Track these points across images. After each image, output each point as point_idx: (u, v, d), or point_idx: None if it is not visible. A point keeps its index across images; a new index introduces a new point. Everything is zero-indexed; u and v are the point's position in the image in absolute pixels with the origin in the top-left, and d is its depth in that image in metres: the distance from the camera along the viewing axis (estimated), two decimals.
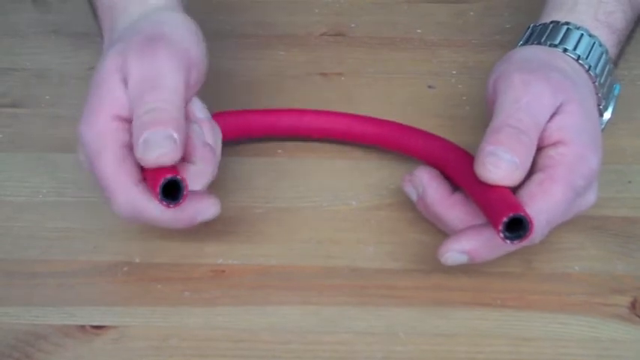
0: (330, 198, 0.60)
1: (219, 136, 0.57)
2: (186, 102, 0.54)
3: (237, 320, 0.53)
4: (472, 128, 0.64)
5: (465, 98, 0.67)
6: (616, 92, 0.61)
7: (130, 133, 0.52)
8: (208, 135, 0.55)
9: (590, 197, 0.54)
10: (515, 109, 0.52)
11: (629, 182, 0.60)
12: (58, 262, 0.56)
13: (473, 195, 0.53)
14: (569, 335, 0.52)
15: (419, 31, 0.73)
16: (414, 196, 0.56)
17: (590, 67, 0.57)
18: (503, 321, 0.53)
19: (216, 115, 0.59)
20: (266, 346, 0.51)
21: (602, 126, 0.59)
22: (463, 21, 0.74)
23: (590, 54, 0.57)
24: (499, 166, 0.51)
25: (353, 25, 0.74)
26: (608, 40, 0.59)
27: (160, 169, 0.51)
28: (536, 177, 0.52)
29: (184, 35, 0.55)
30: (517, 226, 0.49)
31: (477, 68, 0.69)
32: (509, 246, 0.50)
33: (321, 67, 0.70)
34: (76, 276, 0.55)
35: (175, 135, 0.51)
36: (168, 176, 0.50)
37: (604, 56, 0.58)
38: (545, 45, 0.57)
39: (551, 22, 0.59)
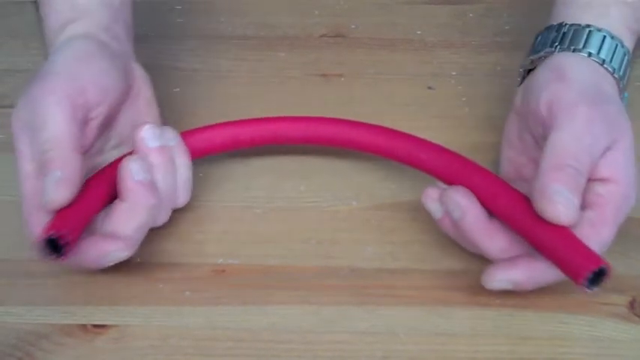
0: (330, 198, 0.60)
1: (182, 158, 0.56)
2: (104, 116, 0.55)
3: (237, 320, 0.53)
4: (472, 129, 0.64)
5: (464, 99, 0.67)
6: (625, 95, 0.60)
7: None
8: (159, 165, 0.55)
9: None
10: (579, 149, 0.51)
11: None
12: None
13: (522, 229, 0.51)
14: (568, 334, 0.52)
15: (419, 32, 0.74)
16: (438, 214, 0.54)
17: (614, 70, 0.56)
18: (502, 320, 0.53)
19: (203, 130, 0.59)
20: (266, 346, 0.52)
21: None
22: (463, 22, 0.75)
23: (614, 57, 0.56)
24: (568, 206, 0.50)
25: (353, 27, 0.74)
26: (628, 41, 0.57)
27: (54, 220, 0.50)
28: (587, 216, 0.51)
29: (67, 61, 0.56)
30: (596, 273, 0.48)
31: (477, 69, 0.69)
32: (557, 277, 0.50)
33: (321, 68, 0.70)
34: (76, 275, 0.55)
35: (59, 173, 0.51)
36: (44, 235, 0.49)
37: (626, 57, 0.57)
38: (570, 50, 0.56)
39: (587, 25, 0.57)
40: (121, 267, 0.56)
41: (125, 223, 0.53)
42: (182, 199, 0.57)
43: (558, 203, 0.50)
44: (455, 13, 0.75)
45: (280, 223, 0.59)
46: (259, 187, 0.61)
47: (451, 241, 0.55)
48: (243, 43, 0.73)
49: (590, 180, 0.52)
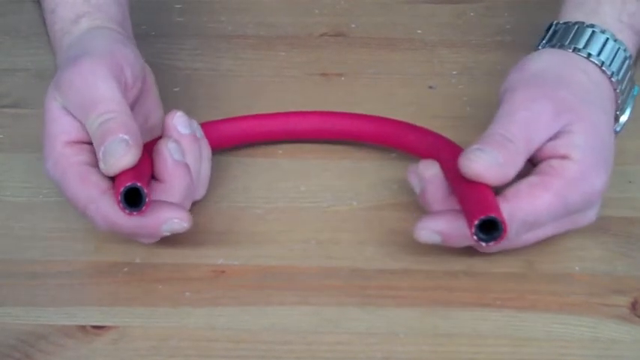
0: (330, 198, 0.60)
1: (206, 150, 0.58)
2: (133, 100, 0.56)
3: (237, 321, 0.53)
4: (473, 129, 0.63)
5: (465, 99, 0.67)
6: (635, 93, 0.60)
7: (88, 153, 0.54)
8: (189, 151, 0.56)
9: (590, 215, 0.55)
10: (508, 122, 0.53)
11: (630, 182, 0.60)
12: (59, 262, 0.56)
13: (456, 191, 0.53)
14: (570, 335, 0.52)
15: (419, 31, 0.73)
16: (417, 189, 0.56)
17: (612, 73, 0.56)
18: (503, 321, 0.53)
19: (204, 125, 0.59)
20: (266, 347, 0.51)
21: (620, 128, 0.59)
22: (463, 21, 0.74)
23: (614, 60, 0.56)
24: (481, 158, 0.51)
25: (353, 26, 0.74)
26: (630, 42, 0.58)
27: (124, 177, 0.52)
28: (531, 179, 0.52)
29: (105, 43, 0.57)
30: (491, 227, 0.49)
31: (478, 69, 0.69)
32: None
33: (321, 67, 0.70)
34: (76, 276, 0.55)
35: (126, 137, 0.52)
36: (128, 184, 0.51)
37: (627, 62, 0.57)
38: (569, 48, 0.57)
39: (576, 22, 0.58)
40: (121, 267, 0.56)
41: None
42: (202, 191, 0.58)
43: (471, 154, 0.52)
44: (455, 12, 0.75)
45: (280, 223, 0.58)
46: (259, 187, 0.61)
47: None
48: (244, 42, 0.73)
49: (549, 157, 0.53)
